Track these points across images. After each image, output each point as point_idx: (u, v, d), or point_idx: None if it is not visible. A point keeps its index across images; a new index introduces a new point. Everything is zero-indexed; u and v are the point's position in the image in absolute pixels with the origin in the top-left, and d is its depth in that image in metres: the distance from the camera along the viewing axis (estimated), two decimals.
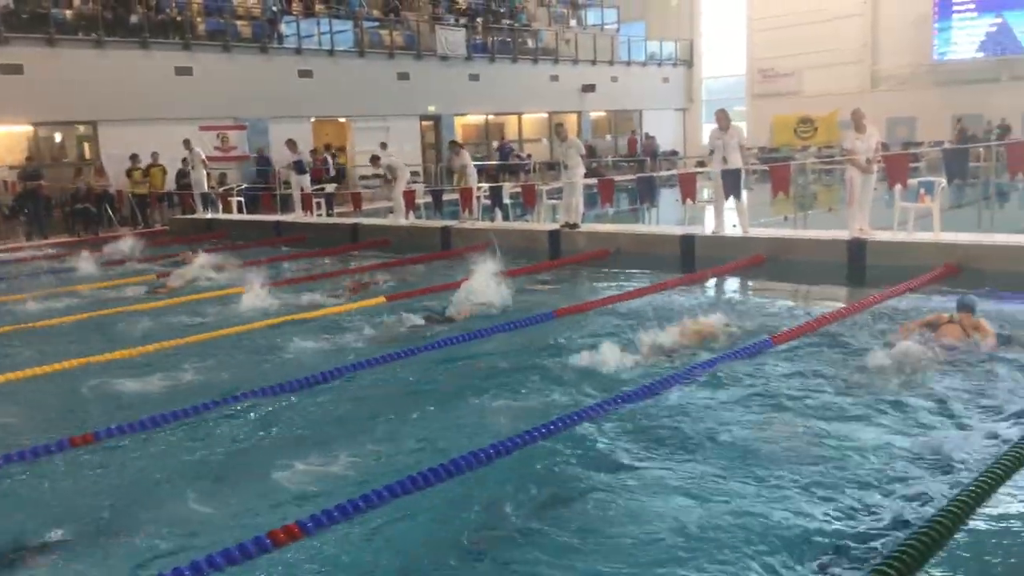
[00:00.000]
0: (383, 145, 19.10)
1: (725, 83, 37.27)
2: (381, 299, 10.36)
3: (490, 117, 30.86)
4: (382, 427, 6.00)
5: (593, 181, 16.49)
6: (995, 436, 5.29)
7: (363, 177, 25.31)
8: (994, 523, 4.22)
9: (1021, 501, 4.44)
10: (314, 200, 19.34)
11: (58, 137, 22.37)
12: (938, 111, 29.72)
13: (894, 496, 4.54)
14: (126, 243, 16.27)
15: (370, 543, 4.30)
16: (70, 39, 20.64)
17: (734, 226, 12.74)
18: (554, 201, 16.71)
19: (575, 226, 14.08)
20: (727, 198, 12.45)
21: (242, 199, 21.42)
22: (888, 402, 5.95)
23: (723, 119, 12.67)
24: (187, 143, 19.92)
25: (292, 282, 12.15)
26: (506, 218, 16.66)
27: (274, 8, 25.07)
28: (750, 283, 11.29)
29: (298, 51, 24.58)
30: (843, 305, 8.99)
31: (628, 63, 34.21)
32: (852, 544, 4.06)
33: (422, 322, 9.09)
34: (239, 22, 24.12)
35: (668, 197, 17.45)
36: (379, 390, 6.89)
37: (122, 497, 5.00)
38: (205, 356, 8.00)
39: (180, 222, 20.71)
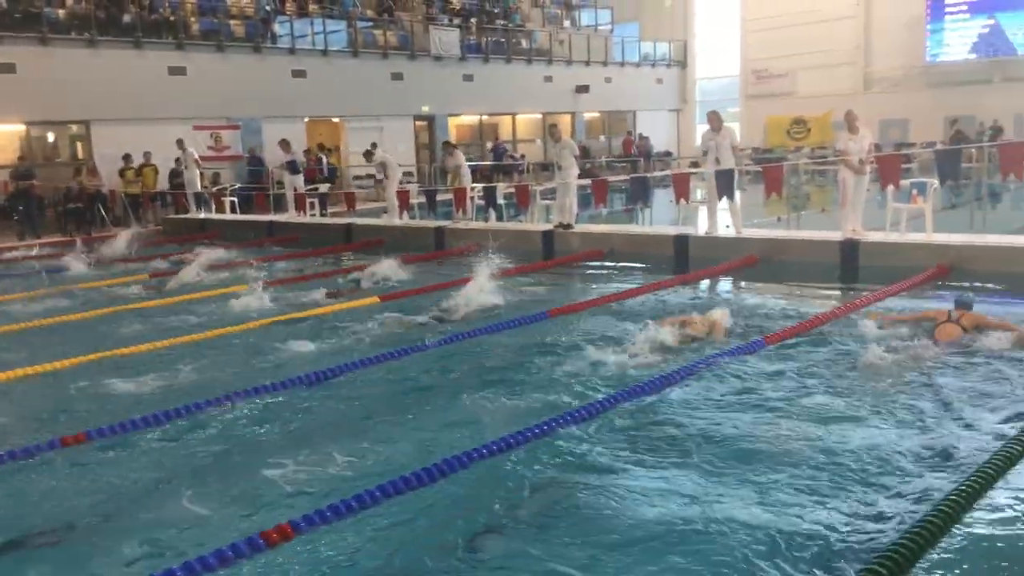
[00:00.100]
0: (373, 145, 19.10)
1: (719, 84, 37.32)
2: (375, 299, 10.36)
3: (484, 117, 30.86)
4: (374, 427, 6.00)
5: (587, 182, 16.51)
6: (988, 434, 5.31)
7: (357, 177, 25.31)
8: (986, 522, 4.24)
9: (1013, 499, 4.46)
10: (307, 200, 19.31)
11: (51, 136, 22.30)
12: (931, 112, 29.79)
13: (887, 495, 4.55)
14: (119, 243, 16.21)
15: (363, 543, 4.29)
16: (63, 38, 20.59)
17: (727, 227, 12.77)
18: (548, 202, 16.73)
19: (569, 226, 14.10)
20: (720, 199, 12.48)
21: (235, 199, 21.38)
22: (881, 401, 5.97)
23: (715, 120, 12.70)
24: (180, 143, 19.88)
25: (285, 282, 12.13)
26: (500, 218, 16.65)
27: (268, 8, 25.03)
28: (743, 283, 11.31)
29: (292, 51, 24.54)
30: (836, 305, 9.01)
31: (622, 64, 34.23)
32: (844, 543, 4.07)
33: (415, 322, 9.08)
34: (233, 22, 24.07)
35: (662, 198, 17.47)
36: (371, 390, 6.88)
37: (114, 497, 4.98)
38: (198, 356, 7.98)
39: (173, 222, 20.65)
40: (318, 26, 25.53)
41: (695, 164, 21.72)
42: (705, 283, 11.27)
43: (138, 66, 21.47)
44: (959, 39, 30.79)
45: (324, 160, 24.59)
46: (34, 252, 16.43)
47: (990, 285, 9.44)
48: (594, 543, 4.18)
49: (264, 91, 23.47)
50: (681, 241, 12.62)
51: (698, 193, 14.92)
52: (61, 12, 21.09)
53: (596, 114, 34.20)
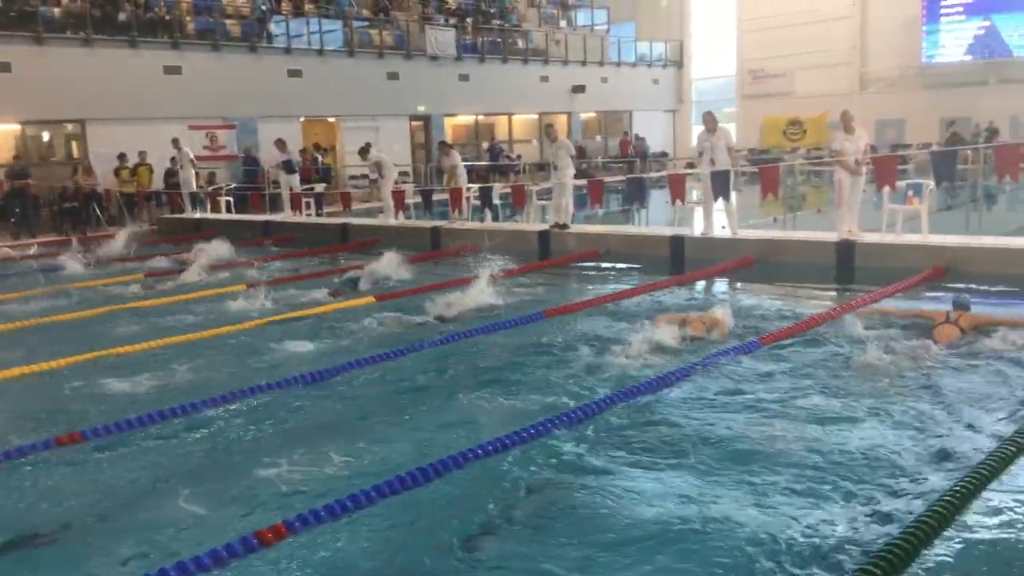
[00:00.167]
0: (368, 145, 19.07)
1: (715, 84, 37.36)
2: (371, 299, 10.35)
3: (480, 117, 30.86)
4: (370, 427, 5.99)
5: (583, 182, 16.51)
6: (985, 435, 5.31)
7: (352, 177, 25.30)
8: (982, 522, 4.24)
9: (1009, 499, 4.46)
10: (303, 200, 19.30)
11: (46, 136, 22.27)
12: (926, 113, 29.88)
13: (883, 496, 4.56)
14: (115, 242, 16.18)
15: (358, 543, 4.29)
16: (58, 37, 20.57)
17: (723, 227, 12.77)
18: (544, 202, 16.73)
19: (565, 227, 14.09)
20: (716, 200, 12.48)
21: (231, 199, 21.36)
22: (878, 402, 5.97)
23: (710, 121, 12.71)
24: (176, 142, 19.82)
25: (281, 281, 12.11)
26: (496, 219, 16.65)
27: (263, 7, 25.02)
28: (739, 284, 11.31)
29: (287, 50, 24.53)
30: (832, 306, 9.02)
31: (618, 64, 34.26)
32: (839, 543, 4.07)
33: (412, 322, 9.07)
34: (228, 21, 24.06)
35: (658, 198, 17.47)
36: (367, 390, 6.88)
37: (109, 496, 4.97)
38: (194, 356, 7.97)
39: (169, 221, 20.61)
40: (314, 26, 25.55)
41: (691, 165, 21.74)
42: (701, 284, 11.27)
43: (134, 65, 21.45)
44: (955, 40, 30.87)
45: (320, 160, 24.58)
46: (30, 252, 16.40)
47: (985, 287, 9.46)
48: (590, 543, 4.18)
49: (260, 91, 23.46)
50: (677, 242, 12.62)
51: (694, 194, 14.94)
52: (56, 11, 21.06)
53: (592, 114, 34.23)
